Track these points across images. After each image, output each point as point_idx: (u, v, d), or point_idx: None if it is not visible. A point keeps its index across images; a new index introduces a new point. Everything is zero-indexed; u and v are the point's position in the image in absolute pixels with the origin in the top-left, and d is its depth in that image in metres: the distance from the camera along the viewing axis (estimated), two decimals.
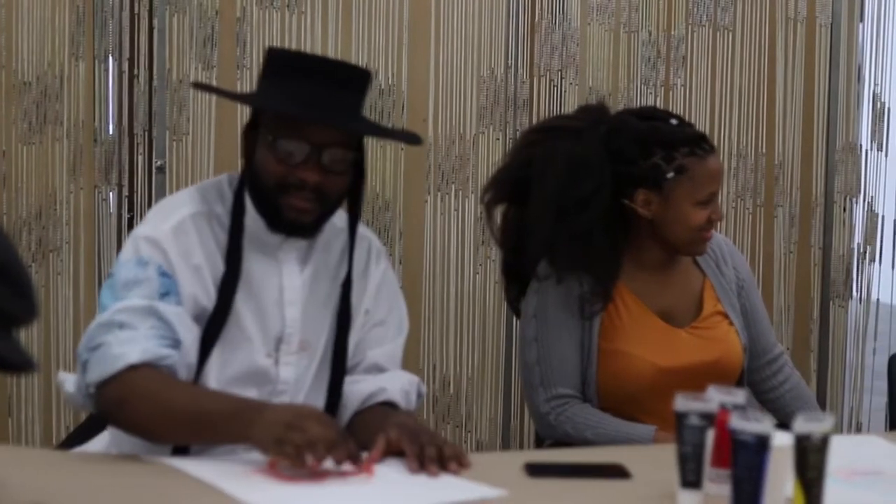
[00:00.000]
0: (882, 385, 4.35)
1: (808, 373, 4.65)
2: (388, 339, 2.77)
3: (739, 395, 2.25)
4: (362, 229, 2.77)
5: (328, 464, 2.25)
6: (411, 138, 2.85)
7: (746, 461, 2.05)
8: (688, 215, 3.02)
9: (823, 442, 2.06)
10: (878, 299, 4.79)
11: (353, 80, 2.62)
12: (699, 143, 3.03)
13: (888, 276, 4.80)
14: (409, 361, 4.22)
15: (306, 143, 2.53)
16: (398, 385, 2.70)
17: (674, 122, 3.06)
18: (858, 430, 4.76)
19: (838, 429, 4.65)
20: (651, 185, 3.01)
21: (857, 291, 4.76)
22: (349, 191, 2.65)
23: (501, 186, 3.20)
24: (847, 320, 4.76)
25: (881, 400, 4.63)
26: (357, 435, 2.58)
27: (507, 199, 3.20)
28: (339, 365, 2.68)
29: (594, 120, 3.13)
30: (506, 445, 4.41)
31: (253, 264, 2.62)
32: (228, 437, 2.39)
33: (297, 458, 2.23)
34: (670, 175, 3.00)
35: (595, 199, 3.01)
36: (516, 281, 3.25)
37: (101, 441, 2.71)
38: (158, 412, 2.42)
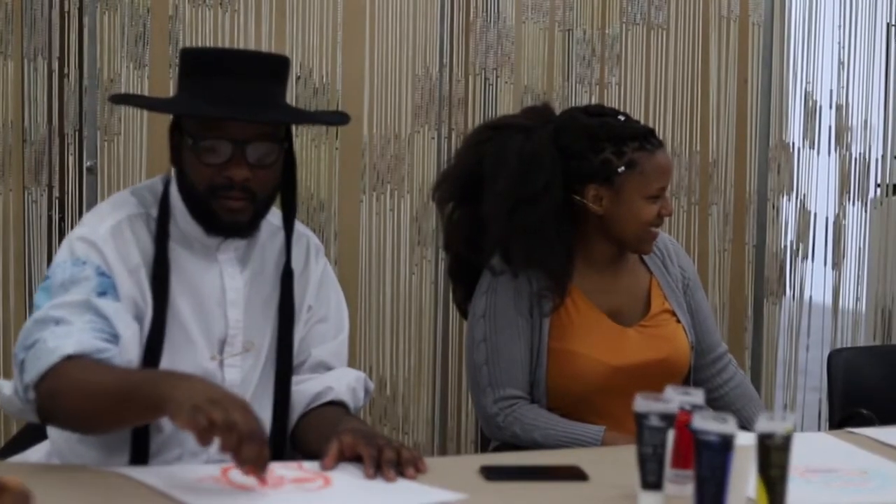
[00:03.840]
0: (814, 382, 4.39)
1: (743, 370, 4.65)
2: (331, 336, 2.74)
3: (698, 396, 2.25)
4: (300, 227, 2.74)
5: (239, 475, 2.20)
6: (336, 118, 2.83)
7: (710, 461, 2.04)
8: (638, 210, 3.01)
9: (786, 440, 2.06)
10: (810, 297, 4.81)
11: (270, 69, 2.57)
12: (648, 138, 3.04)
13: (820, 274, 4.83)
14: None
15: (228, 142, 2.48)
16: (345, 383, 2.67)
17: (621, 118, 3.06)
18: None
19: None
20: (602, 180, 3.01)
21: (790, 289, 4.79)
22: (282, 184, 2.60)
23: (452, 184, 3.18)
24: (780, 318, 4.78)
25: (814, 397, 4.68)
26: (307, 437, 2.56)
27: (457, 198, 3.17)
28: (284, 362, 2.64)
29: (542, 118, 3.13)
30: (443, 447, 4.38)
31: (193, 267, 2.58)
32: (151, 400, 2.22)
33: (205, 434, 2.10)
34: (621, 169, 3.00)
35: (546, 195, 3.00)
36: (463, 283, 3.23)
37: (41, 450, 2.64)
38: (86, 396, 2.32)
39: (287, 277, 2.65)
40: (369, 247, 4.27)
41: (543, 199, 3.00)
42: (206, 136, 2.49)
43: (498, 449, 3.05)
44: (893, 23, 4.85)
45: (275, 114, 2.56)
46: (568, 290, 3.05)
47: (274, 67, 2.58)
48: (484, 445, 3.18)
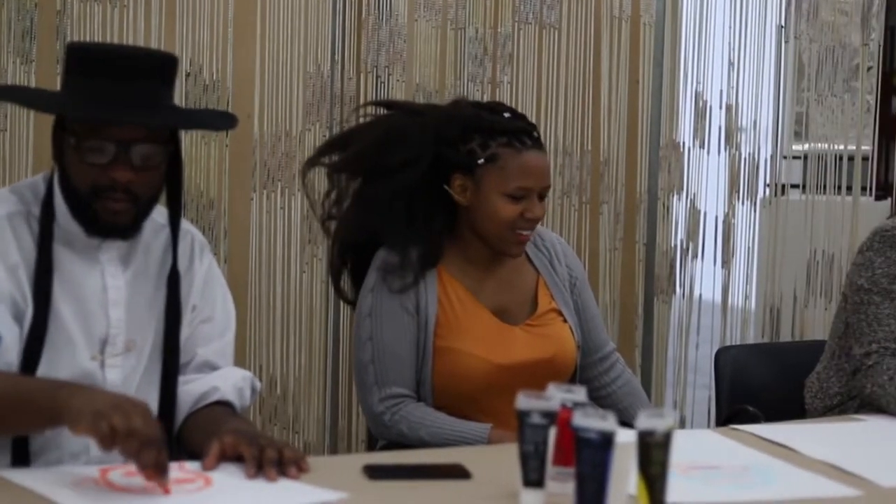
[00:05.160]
0: (704, 379, 4.42)
1: (633, 368, 4.68)
2: (217, 336, 2.71)
3: (580, 393, 2.25)
4: (185, 224, 2.70)
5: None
6: (223, 121, 2.79)
7: (591, 458, 2.04)
8: (495, 206, 3.01)
9: (666, 437, 2.06)
10: (700, 295, 4.86)
11: (156, 69, 2.52)
12: (520, 137, 3.02)
13: (710, 272, 4.88)
14: (235, 363, 4.16)
15: (111, 143, 2.43)
16: (231, 382, 2.64)
17: (506, 114, 3.07)
18: (682, 424, 4.83)
19: None
20: (465, 171, 3.02)
21: (679, 287, 4.83)
22: (167, 184, 2.57)
23: (324, 149, 3.25)
24: (670, 316, 4.83)
25: (703, 394, 4.72)
26: (192, 438, 2.53)
27: (327, 164, 3.22)
28: (170, 362, 2.61)
29: (438, 107, 3.20)
30: (334, 446, 4.37)
31: (74, 266, 2.53)
32: (47, 409, 2.23)
33: (107, 440, 2.12)
34: (481, 161, 3.00)
35: (401, 173, 3.03)
36: (352, 273, 3.23)
37: None
38: None
39: (174, 279, 2.62)
40: (259, 245, 4.24)
41: (396, 177, 3.03)
42: (90, 137, 2.44)
43: (385, 448, 3.04)
44: (783, 24, 4.91)
45: (159, 116, 2.51)
46: (450, 288, 3.05)
47: (161, 67, 2.54)
48: (372, 444, 3.16)
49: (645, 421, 2.06)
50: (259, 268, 4.24)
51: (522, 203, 3.01)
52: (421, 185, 3.04)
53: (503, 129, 3.02)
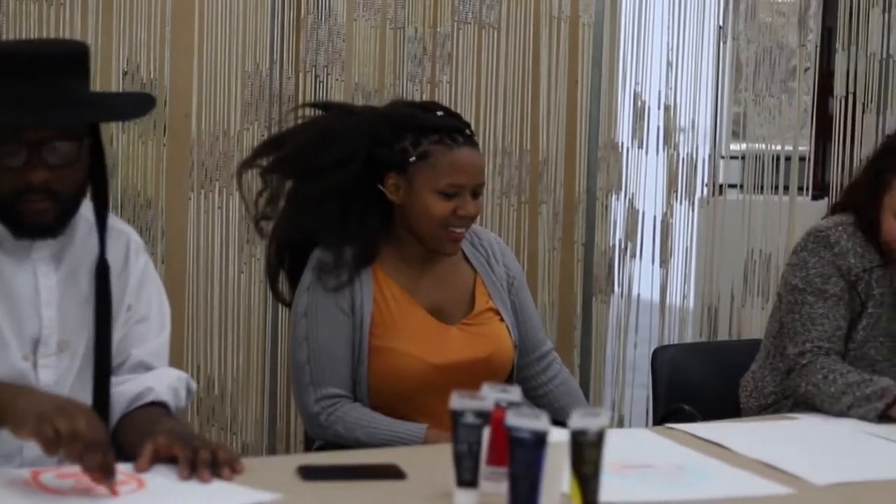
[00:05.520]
0: (642, 379, 4.44)
1: (572, 367, 4.70)
2: (153, 336, 2.68)
3: (514, 393, 2.25)
4: (120, 224, 2.68)
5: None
6: (138, 107, 2.75)
7: (523, 458, 2.05)
8: (427, 204, 3.01)
9: (599, 437, 2.07)
10: (638, 294, 4.88)
11: (66, 61, 2.47)
12: (451, 134, 3.03)
13: (648, 271, 4.90)
14: (173, 363, 4.13)
15: (21, 146, 2.40)
16: (165, 383, 2.62)
17: (440, 113, 3.07)
18: (621, 423, 4.85)
19: None
20: (398, 169, 3.02)
21: (618, 287, 4.85)
22: (92, 178, 2.54)
23: (260, 150, 3.24)
24: (609, 315, 4.84)
25: (641, 393, 4.74)
26: (128, 439, 2.50)
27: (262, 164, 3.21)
28: (102, 362, 2.58)
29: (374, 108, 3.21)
30: (272, 447, 4.35)
31: (5, 267, 2.51)
32: None
33: (51, 445, 2.13)
34: (412, 159, 3.00)
35: (335, 172, 3.03)
36: (285, 274, 3.22)
37: None
38: None
39: (102, 271, 2.59)
40: (197, 245, 4.22)
41: (330, 175, 3.02)
42: (1, 142, 2.41)
43: (322, 448, 3.03)
44: (721, 25, 4.93)
45: (65, 114, 2.45)
46: (385, 287, 3.05)
47: (69, 59, 2.49)
48: (308, 445, 3.15)
49: (578, 420, 2.07)
50: (197, 268, 4.22)
51: (455, 200, 3.00)
52: (355, 184, 3.03)
53: (435, 126, 3.02)
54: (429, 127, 3.02)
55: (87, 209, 2.58)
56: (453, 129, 3.03)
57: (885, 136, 3.56)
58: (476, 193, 3.04)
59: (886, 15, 4.94)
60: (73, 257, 2.59)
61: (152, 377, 2.63)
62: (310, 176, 3.07)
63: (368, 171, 3.04)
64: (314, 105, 3.40)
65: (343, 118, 3.13)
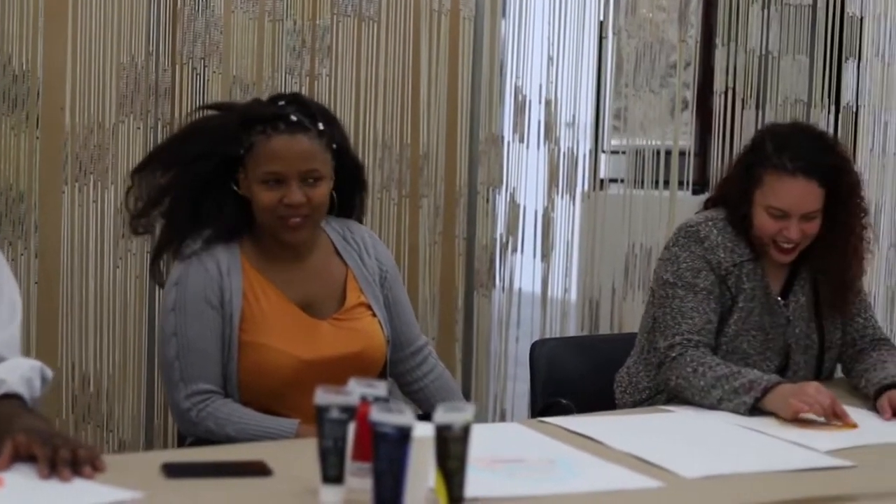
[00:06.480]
0: (525, 372, 4.44)
1: (454, 362, 4.70)
2: (2, 326, 2.62)
3: (381, 387, 2.23)
4: None
5: None
6: None
7: (387, 454, 2.03)
8: (256, 195, 2.99)
9: (464, 431, 2.06)
10: (520, 288, 4.89)
11: None
12: (274, 122, 2.99)
13: (530, 266, 4.91)
14: (48, 359, 4.05)
15: None
16: (18, 374, 2.54)
17: (281, 103, 3.05)
18: (503, 417, 4.85)
19: (484, 417, 4.74)
20: (242, 165, 3.01)
21: (500, 281, 4.85)
22: None
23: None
24: (491, 309, 4.84)
25: (524, 387, 4.73)
26: None
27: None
28: None
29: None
30: (149, 444, 4.29)
31: None
32: None
33: None
34: (242, 152, 3.00)
35: (193, 166, 3.02)
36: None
37: None
38: None
39: None
40: (72, 239, 4.14)
41: (190, 168, 3.02)
42: None
43: (194, 444, 2.99)
44: (602, 20, 4.95)
45: None
46: (256, 283, 3.02)
47: None
48: (181, 442, 3.11)
49: (442, 415, 2.05)
50: (71, 262, 4.15)
51: (280, 189, 2.97)
52: (213, 179, 3.02)
53: (259, 117, 3.01)
54: (255, 118, 3.01)
55: None
56: (276, 118, 2.99)
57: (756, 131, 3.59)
58: (308, 179, 3.00)
59: (765, 11, 5.00)
60: None
61: (4, 368, 2.55)
62: (174, 168, 3.05)
63: (225, 168, 3.02)
64: (209, 107, 3.33)
65: (216, 115, 3.14)
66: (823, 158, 3.25)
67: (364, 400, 2.17)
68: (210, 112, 3.23)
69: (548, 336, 4.79)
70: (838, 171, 3.27)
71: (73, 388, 4.19)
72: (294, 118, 3.00)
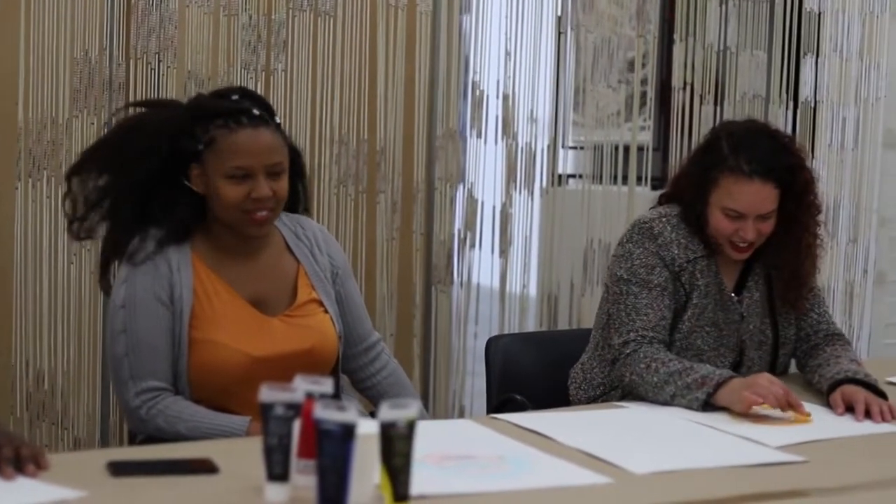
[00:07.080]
0: (483, 368, 4.44)
1: (412, 358, 4.68)
2: None
3: (327, 384, 2.21)
4: None
5: None
6: None
7: (331, 451, 2.02)
8: (220, 190, 2.96)
9: (409, 429, 2.05)
10: (478, 284, 4.87)
11: None
12: (236, 116, 2.97)
13: (488, 261, 4.90)
14: (1, 356, 4.05)
15: None
16: None
17: (235, 97, 3.03)
18: (462, 413, 4.84)
19: (442, 413, 4.73)
20: (197, 160, 2.98)
21: (458, 276, 4.84)
22: None
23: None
24: (449, 305, 4.83)
25: (482, 383, 4.73)
26: None
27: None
28: None
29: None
30: (105, 442, 4.26)
31: None
32: None
33: None
34: (201, 147, 2.96)
35: (137, 163, 2.98)
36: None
37: None
38: None
39: None
40: (25, 235, 4.12)
41: (134, 166, 2.98)
42: None
43: (144, 443, 2.97)
44: (560, 15, 4.95)
45: None
46: (207, 279, 3.00)
47: None
48: (132, 439, 3.08)
49: (387, 412, 2.04)
50: (25, 258, 4.13)
51: (247, 183, 2.95)
52: (160, 176, 2.98)
53: (219, 111, 2.98)
54: (214, 112, 2.98)
55: None
56: (238, 112, 2.97)
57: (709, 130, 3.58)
58: (273, 173, 2.98)
59: (723, 6, 5.01)
60: None
61: None
62: (115, 168, 3.01)
63: (174, 164, 2.98)
64: (139, 104, 3.32)
65: (156, 112, 3.11)
66: (779, 159, 3.25)
67: (310, 396, 2.16)
68: (140, 109, 3.20)
69: (506, 332, 4.78)
70: (794, 169, 3.27)
71: (27, 386, 4.16)
72: (256, 112, 2.99)
